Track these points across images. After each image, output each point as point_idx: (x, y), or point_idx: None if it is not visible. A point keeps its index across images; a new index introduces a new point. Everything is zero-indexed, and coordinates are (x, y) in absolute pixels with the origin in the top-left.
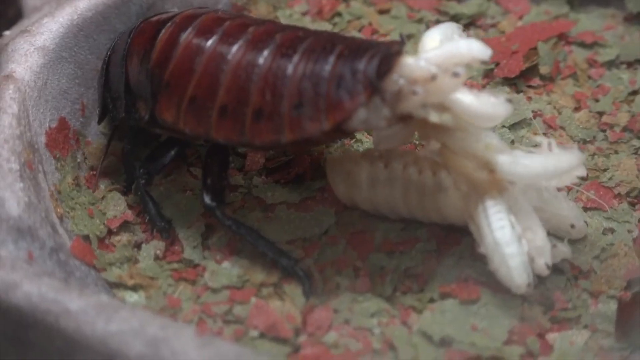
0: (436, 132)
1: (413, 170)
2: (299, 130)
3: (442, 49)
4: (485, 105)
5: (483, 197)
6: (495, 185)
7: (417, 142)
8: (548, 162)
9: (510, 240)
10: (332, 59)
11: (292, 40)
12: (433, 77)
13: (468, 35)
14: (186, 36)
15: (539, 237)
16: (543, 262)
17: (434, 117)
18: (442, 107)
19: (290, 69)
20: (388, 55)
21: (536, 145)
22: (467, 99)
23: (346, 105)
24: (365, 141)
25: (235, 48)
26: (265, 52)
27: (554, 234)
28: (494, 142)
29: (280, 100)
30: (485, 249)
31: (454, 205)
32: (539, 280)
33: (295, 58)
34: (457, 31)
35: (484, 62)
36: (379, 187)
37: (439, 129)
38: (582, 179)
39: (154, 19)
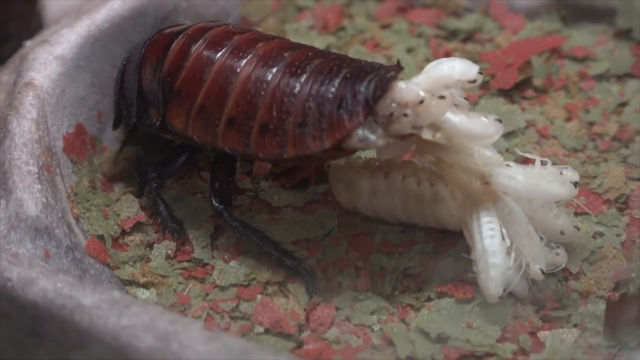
0: (431, 149)
1: (412, 180)
2: (301, 147)
3: (428, 74)
4: (476, 124)
5: (478, 206)
6: (489, 195)
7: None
8: (541, 180)
9: (497, 250)
10: (337, 82)
11: (301, 60)
12: (421, 100)
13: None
14: (197, 47)
15: (535, 243)
16: (538, 267)
17: (427, 134)
18: (435, 127)
19: (297, 88)
20: (384, 79)
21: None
22: (457, 119)
23: (346, 125)
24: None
25: (244, 62)
26: (275, 70)
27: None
28: (488, 154)
29: (287, 117)
30: (473, 254)
31: (451, 214)
32: (531, 281)
33: (303, 78)
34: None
35: (471, 81)
36: (379, 196)
37: (434, 145)
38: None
39: (168, 30)
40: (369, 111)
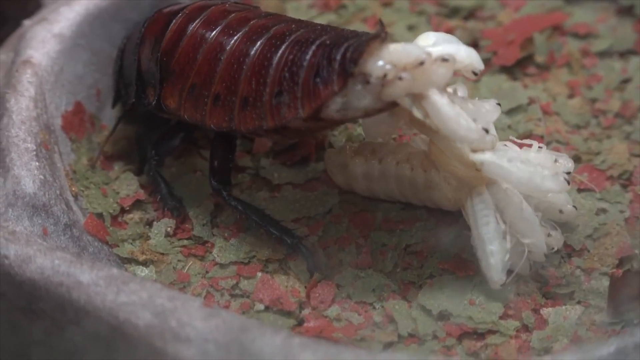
0: (421, 127)
1: (405, 167)
2: (278, 118)
3: (442, 47)
4: (460, 126)
5: (471, 191)
6: (482, 180)
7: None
8: (534, 177)
9: (493, 237)
10: (312, 49)
11: (283, 32)
12: (421, 62)
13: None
14: (193, 26)
15: (532, 226)
16: (540, 251)
17: (416, 112)
18: (426, 112)
19: (275, 59)
20: (362, 42)
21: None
22: (446, 111)
23: (320, 94)
24: None
25: (233, 40)
26: (257, 44)
27: (548, 221)
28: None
29: (264, 89)
30: (472, 240)
31: (447, 197)
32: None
33: (282, 49)
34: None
35: (475, 73)
36: (374, 180)
37: (424, 127)
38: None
39: (167, 9)
40: (345, 80)
